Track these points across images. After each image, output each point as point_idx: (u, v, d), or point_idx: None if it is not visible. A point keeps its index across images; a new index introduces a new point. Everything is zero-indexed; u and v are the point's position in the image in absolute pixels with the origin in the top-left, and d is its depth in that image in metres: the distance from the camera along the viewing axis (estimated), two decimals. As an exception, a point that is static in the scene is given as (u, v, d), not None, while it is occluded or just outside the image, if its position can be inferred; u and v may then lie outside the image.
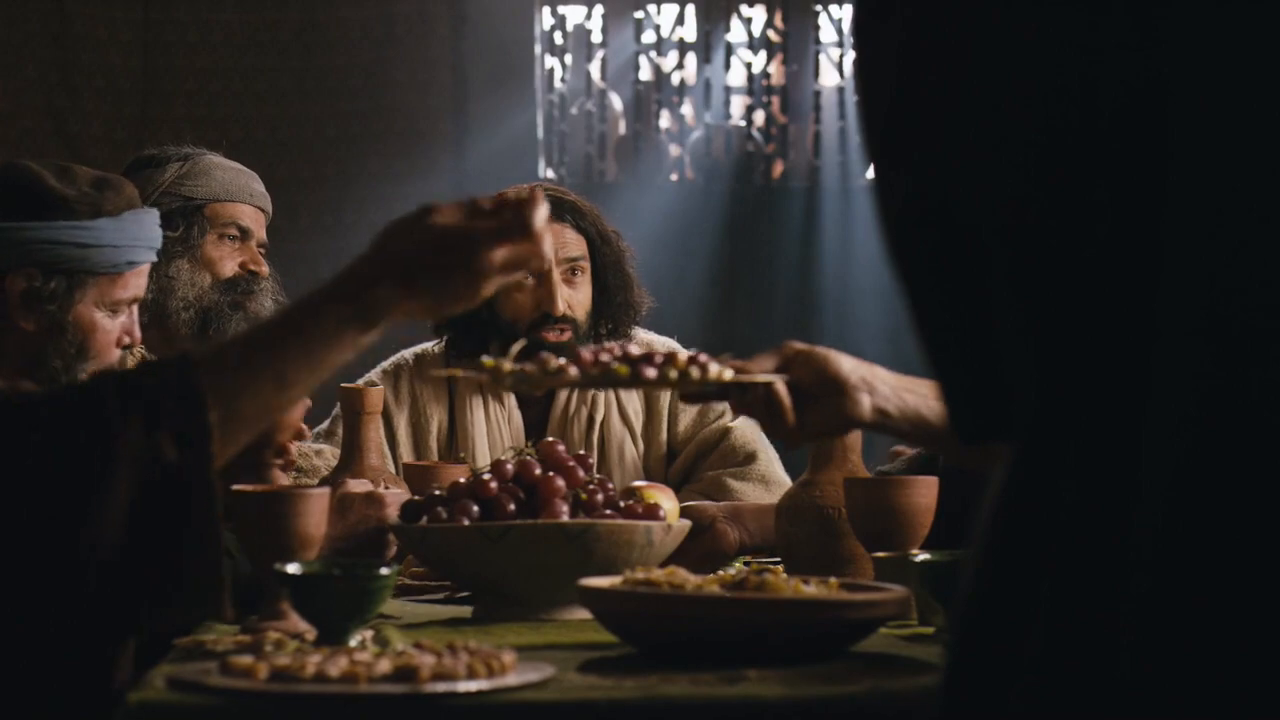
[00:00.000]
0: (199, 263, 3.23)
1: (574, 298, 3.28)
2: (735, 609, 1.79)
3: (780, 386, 1.89)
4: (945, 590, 2.01)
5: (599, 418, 3.34)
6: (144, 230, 2.66)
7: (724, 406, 3.29)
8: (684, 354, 1.90)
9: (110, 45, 6.34)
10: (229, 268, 3.26)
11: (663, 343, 3.43)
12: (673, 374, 1.87)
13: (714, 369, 1.88)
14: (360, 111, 6.50)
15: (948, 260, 1.13)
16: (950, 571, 2.01)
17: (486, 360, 1.86)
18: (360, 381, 3.34)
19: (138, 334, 2.70)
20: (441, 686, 1.56)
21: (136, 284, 2.67)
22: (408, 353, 3.43)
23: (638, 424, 3.36)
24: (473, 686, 1.57)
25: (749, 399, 1.91)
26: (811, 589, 1.87)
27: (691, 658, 1.74)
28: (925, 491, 2.30)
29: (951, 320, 1.15)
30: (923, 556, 2.07)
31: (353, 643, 1.82)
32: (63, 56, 6.30)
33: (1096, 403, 1.06)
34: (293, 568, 1.88)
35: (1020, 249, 1.08)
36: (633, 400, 3.38)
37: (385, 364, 3.42)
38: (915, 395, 1.91)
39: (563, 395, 3.34)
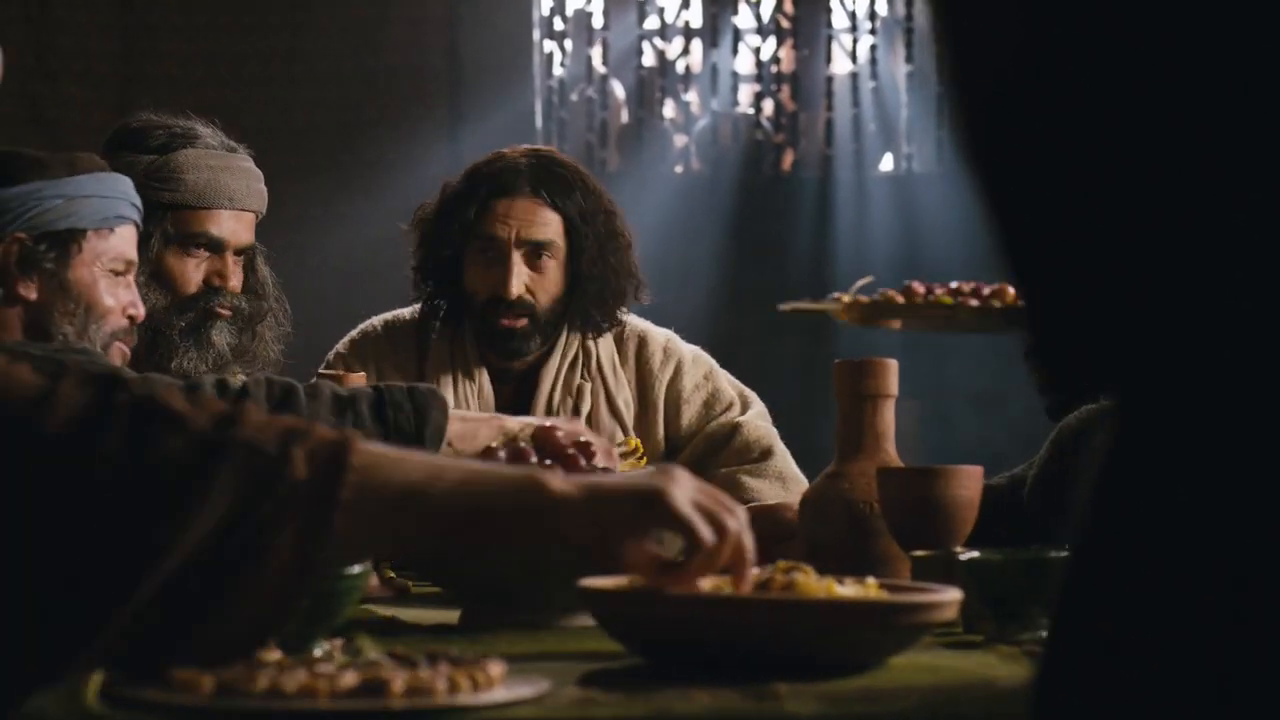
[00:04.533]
0: (156, 277, 2.99)
1: (537, 282, 3.17)
2: (762, 613, 1.62)
3: None
4: (995, 593, 1.87)
5: (585, 409, 3.22)
6: (123, 187, 2.68)
7: (731, 398, 3.24)
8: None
9: (89, 28, 6.33)
10: (192, 281, 3.02)
11: (661, 334, 3.33)
12: (997, 304, 1.99)
13: None
14: (352, 98, 6.53)
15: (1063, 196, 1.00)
16: (1002, 572, 1.87)
17: None
18: (331, 353, 3.31)
19: (141, 309, 2.72)
20: (415, 703, 1.41)
21: (128, 244, 2.70)
22: (377, 320, 3.37)
23: (629, 416, 3.26)
24: (453, 703, 1.42)
25: None
26: (848, 590, 1.70)
27: (711, 669, 1.58)
28: (969, 483, 2.15)
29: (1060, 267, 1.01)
30: (969, 554, 1.92)
31: (317, 652, 1.65)
32: (39, 39, 6.27)
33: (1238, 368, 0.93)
34: (250, 567, 1.68)
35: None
36: (623, 390, 3.26)
37: (354, 332, 3.35)
38: None
39: (546, 383, 3.23)
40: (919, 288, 2.05)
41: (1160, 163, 0.93)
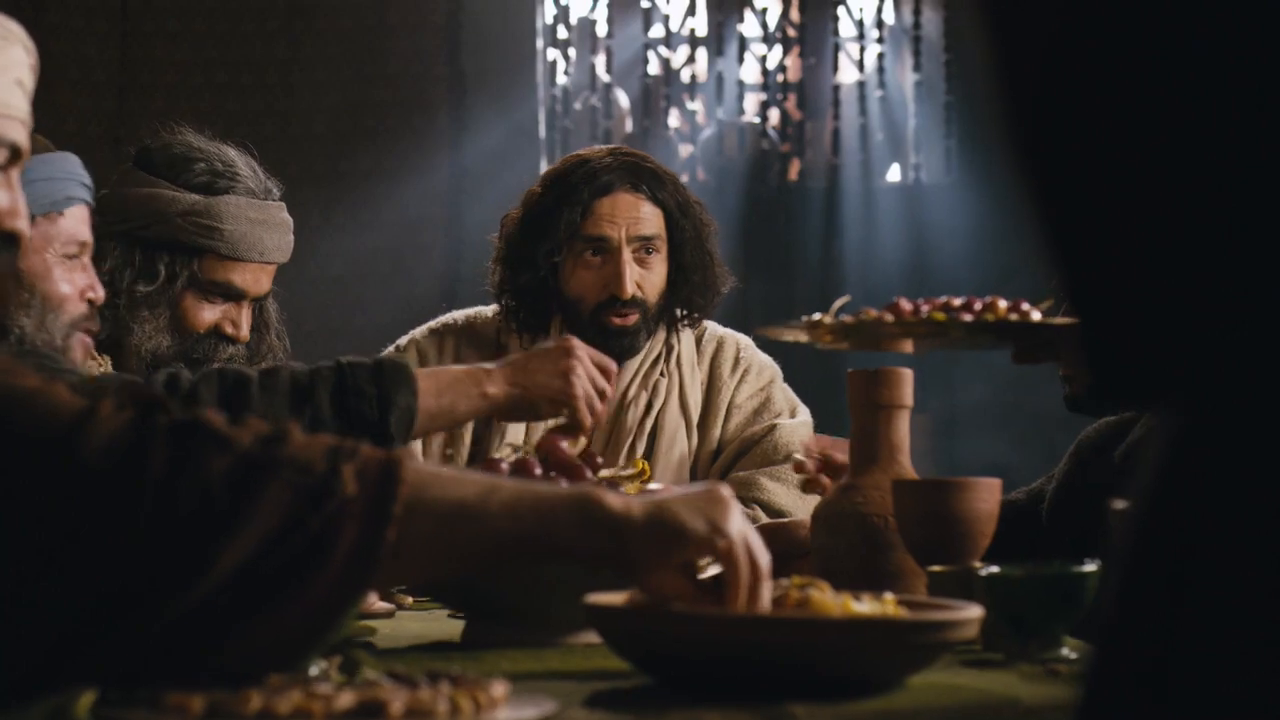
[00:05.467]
0: (167, 320, 2.93)
1: (645, 278, 3.16)
2: (776, 631, 1.57)
3: None
4: (1016, 610, 1.83)
5: (658, 404, 3.23)
6: (70, 166, 2.57)
7: (781, 409, 3.27)
8: (1004, 301, 1.94)
9: (86, 35, 6.31)
10: (203, 323, 2.95)
11: (737, 340, 3.35)
12: (990, 318, 1.92)
13: (1035, 314, 1.94)
14: (351, 106, 6.52)
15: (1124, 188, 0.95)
16: (1024, 588, 1.83)
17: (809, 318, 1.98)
18: (404, 339, 3.29)
19: (101, 291, 2.61)
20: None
21: (81, 225, 2.59)
22: (458, 314, 3.35)
23: (695, 415, 3.27)
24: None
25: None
26: (865, 607, 1.65)
27: (722, 690, 1.55)
28: (987, 495, 2.09)
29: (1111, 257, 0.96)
30: (989, 570, 1.87)
31: (313, 671, 1.60)
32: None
33: None
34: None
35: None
36: (695, 390, 3.27)
37: (433, 322, 3.33)
38: None
39: (625, 380, 3.22)
40: (906, 305, 2.01)
41: (1215, 158, 0.89)
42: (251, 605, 1.41)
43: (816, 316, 2.04)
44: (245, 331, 2.98)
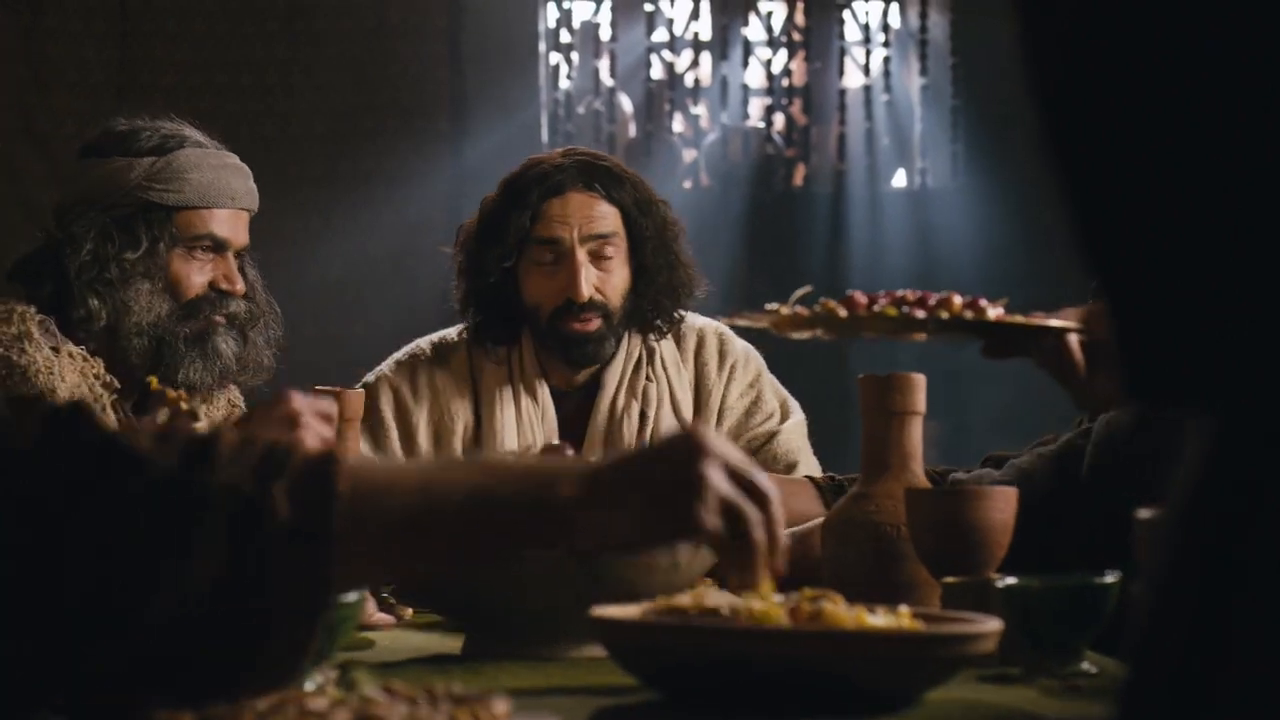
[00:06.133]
0: (162, 284, 2.93)
1: (604, 280, 3.09)
2: (787, 645, 1.53)
3: (1073, 337, 1.97)
4: (1034, 623, 1.79)
5: (651, 412, 3.17)
6: None
7: (773, 408, 3.21)
8: (960, 298, 1.97)
9: (84, 37, 6.29)
10: (196, 285, 2.96)
11: (716, 330, 3.28)
12: (944, 315, 1.94)
13: (992, 312, 1.96)
14: (351, 108, 6.50)
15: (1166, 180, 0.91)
16: (1042, 600, 1.79)
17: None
18: (371, 375, 3.24)
19: None
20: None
21: None
22: (424, 342, 3.28)
23: (687, 415, 3.22)
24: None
25: (1042, 349, 1.99)
26: (879, 620, 1.61)
27: (732, 705, 1.52)
28: (1003, 505, 2.04)
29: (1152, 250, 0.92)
30: (1006, 581, 1.83)
31: (308, 686, 1.56)
32: (32, 49, 6.26)
33: None
34: (235, 592, 1.60)
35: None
36: (685, 390, 3.22)
37: (399, 354, 3.27)
38: None
39: (610, 388, 3.17)
40: (861, 298, 1.99)
41: (1258, 159, 0.85)
42: (186, 659, 1.32)
43: (775, 306, 2.04)
44: (240, 284, 2.99)
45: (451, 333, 3.24)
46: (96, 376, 2.79)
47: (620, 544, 1.43)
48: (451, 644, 2.11)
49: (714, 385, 3.21)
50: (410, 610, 2.45)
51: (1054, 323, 1.97)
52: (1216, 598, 0.88)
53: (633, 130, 7.27)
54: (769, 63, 7.14)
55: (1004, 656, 1.81)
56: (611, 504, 1.41)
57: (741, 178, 7.08)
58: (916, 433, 2.18)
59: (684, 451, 1.42)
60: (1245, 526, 0.87)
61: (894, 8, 7.10)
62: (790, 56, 7.16)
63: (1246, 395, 0.87)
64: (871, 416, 2.19)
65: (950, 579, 1.97)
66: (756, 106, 7.20)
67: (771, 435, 3.15)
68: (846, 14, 7.10)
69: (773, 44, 7.14)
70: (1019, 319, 1.96)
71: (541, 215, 3.06)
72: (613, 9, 7.10)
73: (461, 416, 3.16)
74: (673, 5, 7.18)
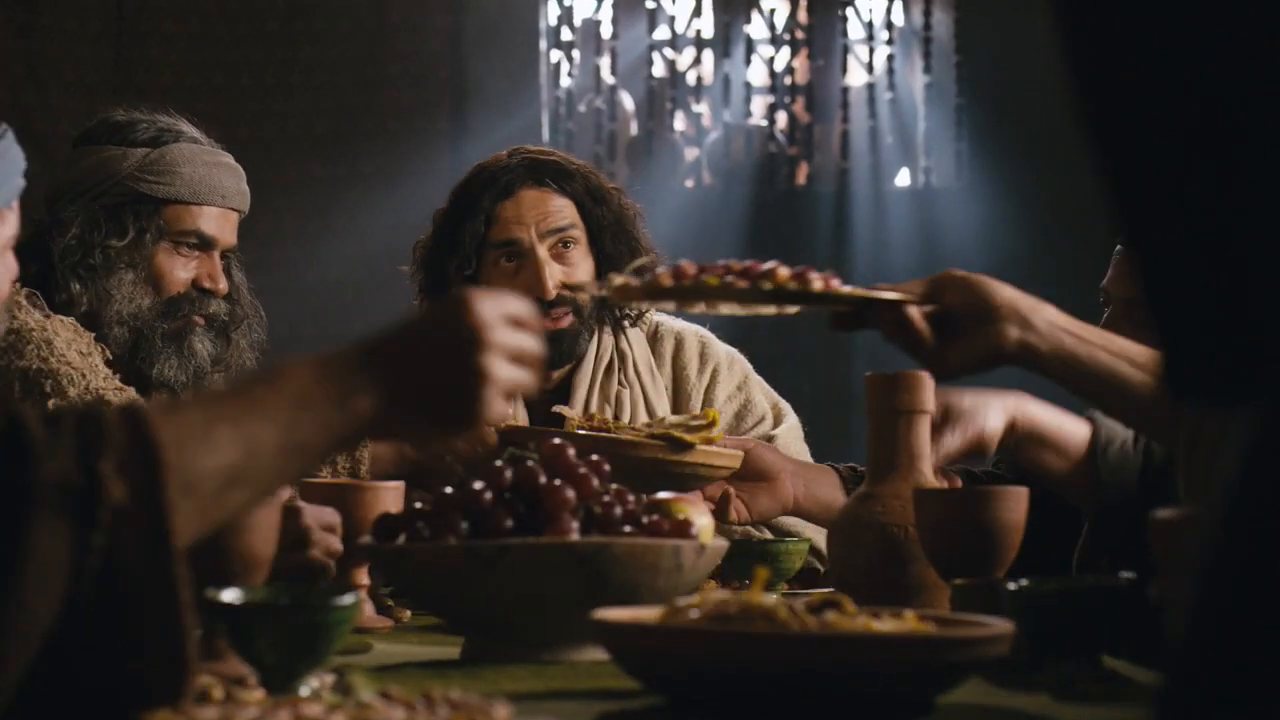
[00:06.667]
0: (145, 276, 2.95)
1: (570, 275, 3.06)
2: (794, 649, 1.51)
3: (912, 309, 1.97)
4: (1047, 626, 1.76)
5: (625, 418, 3.10)
6: (16, 155, 2.44)
7: (764, 411, 3.18)
8: (786, 270, 1.93)
9: (79, 37, 6.30)
10: (179, 281, 2.98)
11: (697, 334, 3.25)
12: (766, 286, 1.93)
13: (817, 284, 1.95)
14: (351, 108, 6.50)
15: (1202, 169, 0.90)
16: (1055, 603, 1.76)
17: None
18: None
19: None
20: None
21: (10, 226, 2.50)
22: None
23: None
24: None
25: (885, 322, 2.00)
26: (886, 623, 1.60)
27: (737, 711, 1.50)
28: (1013, 505, 2.03)
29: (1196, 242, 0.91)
30: (1018, 583, 1.80)
31: (304, 691, 1.58)
32: (28, 48, 6.25)
33: None
34: (228, 595, 1.61)
35: None
36: (661, 396, 3.18)
37: None
38: (1078, 339, 1.98)
39: (581, 391, 3.14)
40: (690, 268, 1.99)
41: None
42: (56, 673, 1.27)
43: (611, 275, 2.07)
44: (223, 284, 3.00)
45: None
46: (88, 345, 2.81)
47: (413, 440, 1.65)
48: (450, 647, 2.10)
49: (694, 388, 3.18)
50: (408, 613, 2.43)
51: (887, 295, 1.97)
52: (1261, 598, 0.86)
53: (634, 128, 7.28)
54: (772, 60, 7.14)
55: (1017, 660, 1.78)
56: (404, 411, 1.54)
57: (744, 176, 7.09)
58: (924, 432, 2.17)
59: (464, 344, 1.55)
60: None
61: (897, 5, 7.11)
62: (793, 54, 7.15)
63: None
64: (878, 415, 2.17)
65: (960, 581, 1.96)
66: (759, 104, 7.20)
67: (767, 440, 3.11)
68: (850, 11, 7.09)
69: (775, 41, 7.14)
70: (845, 290, 1.96)
71: (495, 219, 3.04)
72: (614, 6, 7.11)
73: None
74: (674, 2, 7.19)
